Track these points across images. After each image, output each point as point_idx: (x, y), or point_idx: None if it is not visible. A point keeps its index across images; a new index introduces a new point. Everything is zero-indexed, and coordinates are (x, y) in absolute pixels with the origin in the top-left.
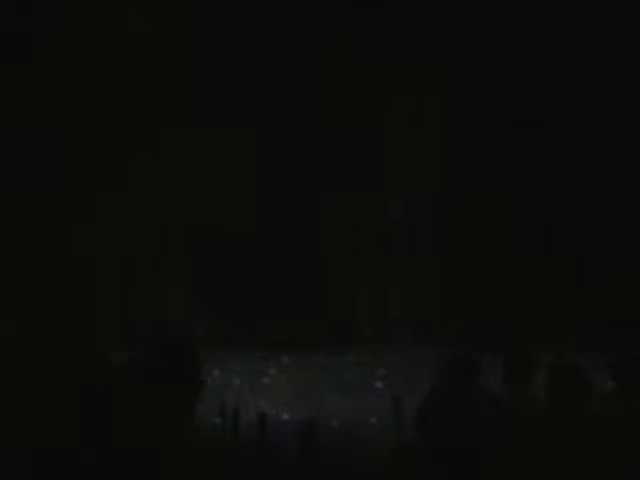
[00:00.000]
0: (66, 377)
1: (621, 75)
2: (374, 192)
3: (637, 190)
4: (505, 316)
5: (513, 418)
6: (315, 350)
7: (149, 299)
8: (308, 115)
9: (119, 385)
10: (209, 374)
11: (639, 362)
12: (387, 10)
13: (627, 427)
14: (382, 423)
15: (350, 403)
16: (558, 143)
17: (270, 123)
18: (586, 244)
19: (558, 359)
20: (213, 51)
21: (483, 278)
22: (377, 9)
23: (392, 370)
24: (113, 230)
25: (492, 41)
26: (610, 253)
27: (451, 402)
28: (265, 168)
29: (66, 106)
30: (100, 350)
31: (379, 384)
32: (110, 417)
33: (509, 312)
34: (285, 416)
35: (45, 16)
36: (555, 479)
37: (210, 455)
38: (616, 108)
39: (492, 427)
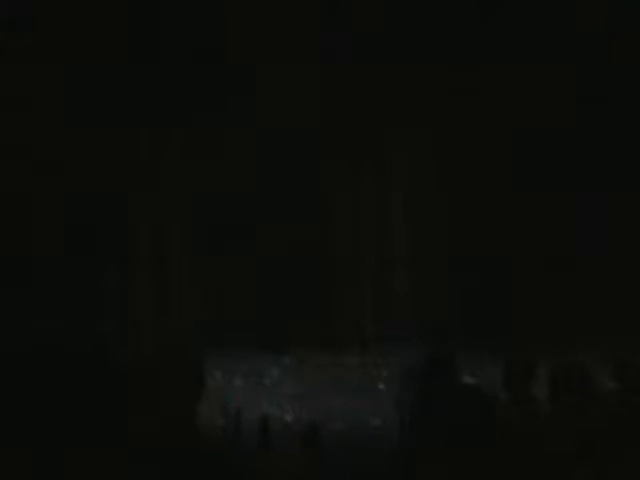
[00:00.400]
0: (68, 377)
1: None
2: (376, 189)
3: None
4: (506, 316)
5: (513, 418)
6: (317, 351)
7: (151, 299)
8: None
9: (122, 385)
10: (210, 375)
11: None
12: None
13: (630, 427)
14: (385, 425)
15: (352, 405)
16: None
17: (270, 123)
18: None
19: (561, 359)
20: (213, 51)
21: (486, 277)
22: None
23: (395, 371)
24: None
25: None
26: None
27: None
28: (265, 167)
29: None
30: (102, 350)
31: (381, 385)
32: (112, 417)
33: (511, 312)
34: (287, 418)
35: None
36: (557, 478)
37: (211, 455)
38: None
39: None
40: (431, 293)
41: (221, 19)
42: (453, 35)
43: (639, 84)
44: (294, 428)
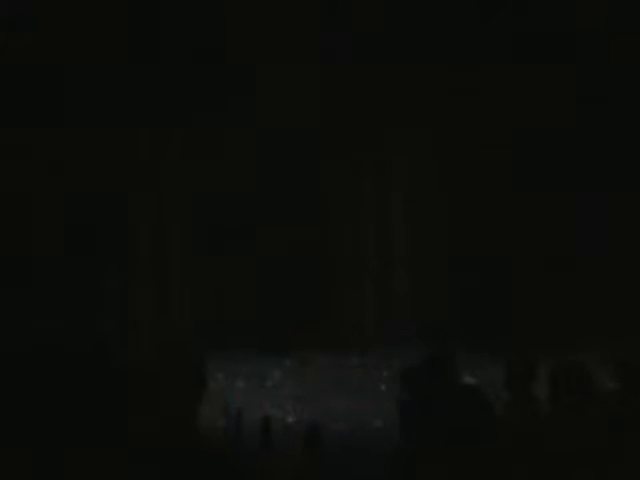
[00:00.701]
0: (71, 379)
1: None
2: (376, 189)
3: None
4: (506, 317)
5: (514, 418)
6: (319, 352)
7: (152, 300)
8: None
9: (123, 386)
10: (212, 376)
11: None
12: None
13: (631, 428)
14: (386, 426)
15: (354, 406)
16: None
17: (270, 123)
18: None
19: (562, 359)
20: (212, 51)
21: (486, 278)
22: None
23: (396, 372)
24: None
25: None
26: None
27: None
28: (265, 167)
29: None
30: (104, 353)
31: (383, 386)
32: (112, 417)
33: (511, 313)
34: (289, 419)
35: None
36: (556, 478)
37: (212, 456)
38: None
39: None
40: (431, 293)
41: (221, 19)
42: (453, 35)
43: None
44: (295, 429)
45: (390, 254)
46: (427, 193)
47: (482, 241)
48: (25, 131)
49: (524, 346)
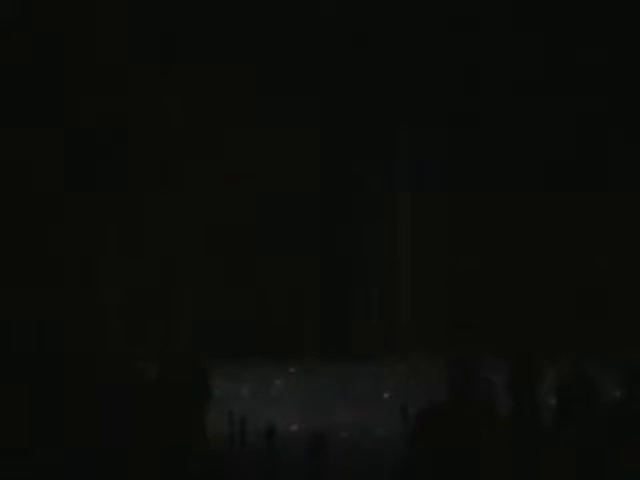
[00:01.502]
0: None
1: None
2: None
3: None
4: (510, 320)
5: (515, 427)
6: (322, 361)
7: (159, 309)
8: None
9: (126, 392)
10: (217, 384)
11: None
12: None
13: (635, 435)
14: (389, 434)
15: (357, 414)
16: None
17: (270, 123)
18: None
19: (568, 369)
20: (213, 51)
21: (491, 283)
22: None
23: (400, 380)
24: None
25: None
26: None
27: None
28: (266, 169)
29: None
30: (107, 359)
31: (386, 395)
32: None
33: (516, 316)
34: (293, 427)
35: None
36: None
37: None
38: None
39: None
40: (434, 301)
41: None
42: None
43: None
44: (299, 437)
45: (395, 261)
46: (435, 191)
47: (487, 244)
48: None
49: (530, 349)
